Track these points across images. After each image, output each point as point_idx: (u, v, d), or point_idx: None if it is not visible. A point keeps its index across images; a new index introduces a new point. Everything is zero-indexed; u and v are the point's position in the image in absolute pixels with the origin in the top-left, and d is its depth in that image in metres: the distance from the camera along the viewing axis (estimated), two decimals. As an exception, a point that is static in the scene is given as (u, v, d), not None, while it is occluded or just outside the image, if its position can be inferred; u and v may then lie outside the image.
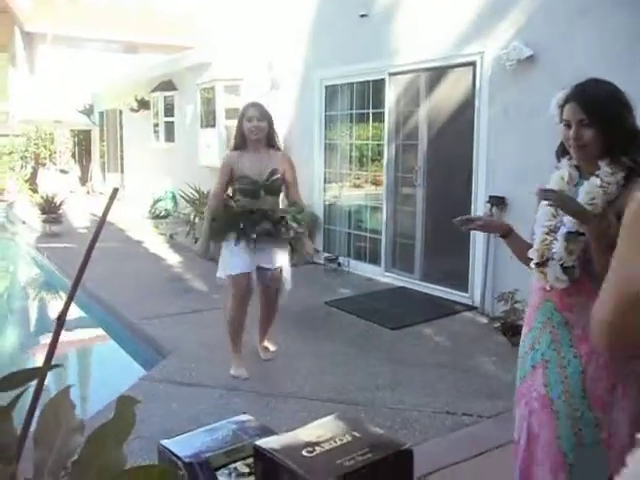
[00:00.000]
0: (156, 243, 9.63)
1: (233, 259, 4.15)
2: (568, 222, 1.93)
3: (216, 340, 4.83)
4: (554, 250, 1.94)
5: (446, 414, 3.67)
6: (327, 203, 8.11)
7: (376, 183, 7.49)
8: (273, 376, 4.37)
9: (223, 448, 0.88)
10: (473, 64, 5.80)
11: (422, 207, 6.61)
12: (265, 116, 4.19)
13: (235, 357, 4.30)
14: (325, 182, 8.10)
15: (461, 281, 6.05)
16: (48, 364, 0.69)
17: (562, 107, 1.98)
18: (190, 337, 5.09)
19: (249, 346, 4.56)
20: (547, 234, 1.99)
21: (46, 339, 6.31)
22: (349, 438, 0.81)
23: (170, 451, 0.87)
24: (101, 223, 0.74)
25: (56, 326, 0.71)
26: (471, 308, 5.82)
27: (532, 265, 2.02)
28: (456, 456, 3.00)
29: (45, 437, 0.68)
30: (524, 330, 2.15)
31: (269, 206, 4.23)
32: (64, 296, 7.59)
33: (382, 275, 7.04)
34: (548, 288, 1.99)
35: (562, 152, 2.06)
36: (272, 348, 4.67)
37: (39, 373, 0.58)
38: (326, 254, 7.80)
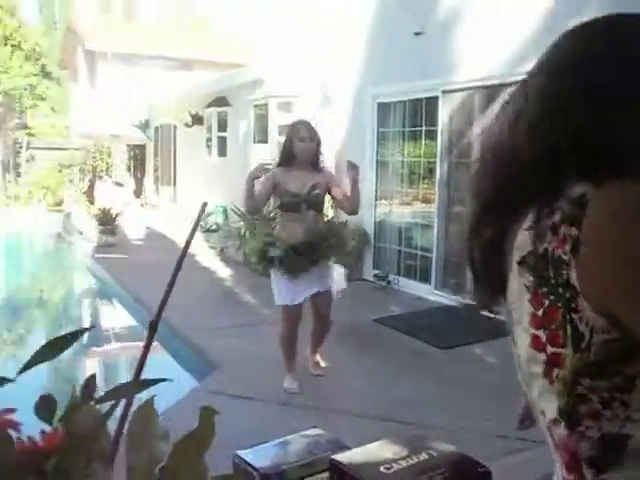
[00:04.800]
0: (207, 256, 9.78)
1: (283, 290, 4.20)
2: None
3: (266, 353, 4.87)
4: None
5: (498, 437, 3.60)
6: (377, 220, 8.11)
7: (427, 201, 7.46)
8: (323, 392, 4.37)
9: (298, 461, 0.89)
10: (529, 82, 5.73)
11: (474, 226, 6.53)
12: (315, 137, 4.24)
13: (288, 374, 4.33)
14: (376, 199, 8.10)
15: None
16: (139, 375, 0.72)
17: None
18: (240, 350, 5.14)
19: (299, 361, 4.57)
20: None
21: (99, 347, 6.48)
22: (425, 456, 0.81)
23: (246, 462, 0.89)
24: (190, 238, 0.76)
25: (148, 335, 0.74)
26: (524, 330, 5.70)
27: None
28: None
29: (136, 443, 0.71)
30: None
31: (310, 221, 4.24)
32: (119, 305, 7.78)
33: (432, 294, 6.98)
34: None
35: None
36: (323, 364, 4.67)
37: (140, 386, 0.61)
38: (376, 271, 7.78)
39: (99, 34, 18.24)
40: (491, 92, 6.34)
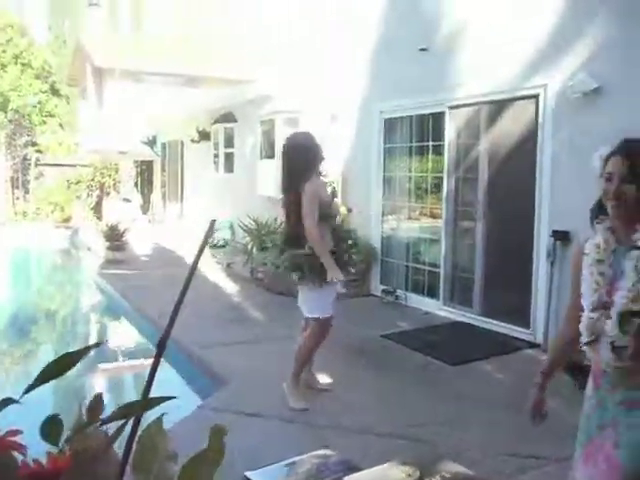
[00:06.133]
0: (214, 272, 9.78)
1: (322, 301, 4.20)
2: (619, 298, 1.83)
3: (272, 370, 4.84)
4: (606, 327, 1.85)
5: (510, 456, 3.55)
6: (385, 235, 8.09)
7: (434, 216, 7.44)
8: (329, 409, 4.33)
9: (308, 482, 0.87)
10: (536, 97, 5.74)
11: (482, 241, 6.51)
12: None
13: (297, 391, 4.30)
14: (383, 215, 8.09)
15: (522, 317, 5.90)
16: (148, 393, 0.70)
17: (606, 160, 1.90)
18: (247, 366, 5.11)
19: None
20: (593, 311, 1.90)
21: (106, 364, 6.46)
22: (438, 478, 0.79)
23: (255, 483, 0.87)
24: (198, 255, 0.75)
25: (156, 353, 0.72)
26: (533, 345, 5.65)
27: (582, 342, 1.94)
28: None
29: (143, 464, 0.69)
30: (591, 383, 2.05)
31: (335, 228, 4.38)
32: (126, 321, 7.78)
33: (440, 309, 6.94)
34: (603, 367, 1.90)
35: (598, 210, 1.96)
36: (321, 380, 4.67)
37: (147, 405, 0.59)
38: (383, 286, 7.75)
39: (107, 51, 18.42)
40: (498, 107, 6.34)
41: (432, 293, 7.18)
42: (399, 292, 7.50)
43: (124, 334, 7.58)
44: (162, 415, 0.75)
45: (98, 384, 5.89)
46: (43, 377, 0.54)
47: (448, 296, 6.97)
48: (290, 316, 7.05)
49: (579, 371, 4.45)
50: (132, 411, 0.57)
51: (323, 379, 4.64)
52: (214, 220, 0.79)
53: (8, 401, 0.53)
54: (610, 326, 1.83)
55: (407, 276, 7.68)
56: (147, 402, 0.56)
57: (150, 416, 0.72)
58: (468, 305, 6.65)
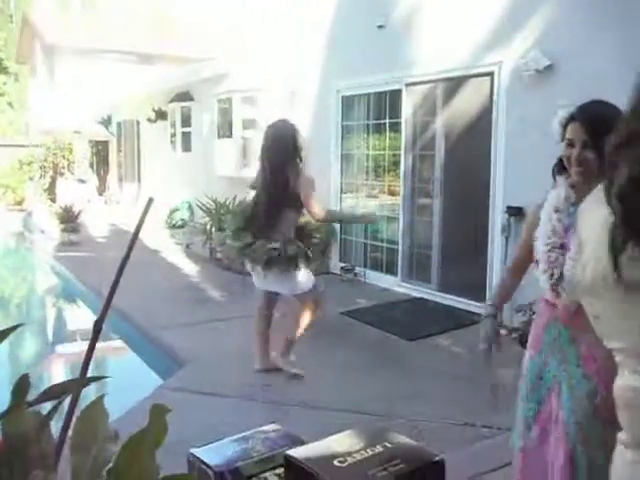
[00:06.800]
0: (172, 252, 9.68)
1: (309, 276, 4.38)
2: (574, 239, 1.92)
3: (232, 350, 4.84)
4: (566, 268, 1.92)
5: (464, 426, 3.64)
6: (343, 213, 8.11)
7: (392, 193, 7.49)
8: (288, 386, 4.36)
9: (254, 457, 0.88)
10: (491, 74, 5.80)
11: (439, 217, 6.59)
12: None
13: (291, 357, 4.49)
14: (341, 192, 8.11)
15: (479, 292, 6.01)
16: (85, 373, 0.69)
17: (565, 126, 1.98)
18: (207, 347, 5.10)
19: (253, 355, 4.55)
20: (550, 251, 1.98)
21: (63, 347, 6.37)
22: (380, 449, 0.80)
23: (200, 460, 0.87)
24: (135, 235, 0.75)
25: (92, 334, 0.71)
26: (489, 319, 5.77)
27: (544, 285, 2.01)
28: (480, 467, 2.97)
29: (82, 445, 0.69)
30: (530, 353, 2.12)
31: None
32: (81, 304, 7.65)
33: (398, 285, 7.02)
34: (561, 305, 1.97)
35: (559, 169, 2.06)
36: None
37: (80, 384, 0.59)
38: (342, 264, 7.79)
39: (58, 28, 17.85)
40: (454, 84, 6.39)
41: (390, 270, 7.25)
42: (358, 269, 7.55)
43: (80, 316, 7.46)
44: (102, 395, 0.75)
45: (53, 368, 5.80)
46: (45, 396, 0.52)
47: (406, 272, 7.05)
48: (249, 295, 7.05)
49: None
50: (67, 389, 0.57)
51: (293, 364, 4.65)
52: (151, 198, 0.79)
53: None
54: (570, 264, 1.91)
55: (365, 254, 7.73)
56: (83, 381, 0.56)
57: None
58: (426, 281, 6.75)
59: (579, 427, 1.89)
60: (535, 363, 2.08)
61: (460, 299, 6.22)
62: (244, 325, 5.04)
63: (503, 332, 5.48)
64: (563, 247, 1.95)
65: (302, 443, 0.91)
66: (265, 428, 0.98)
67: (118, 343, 6.27)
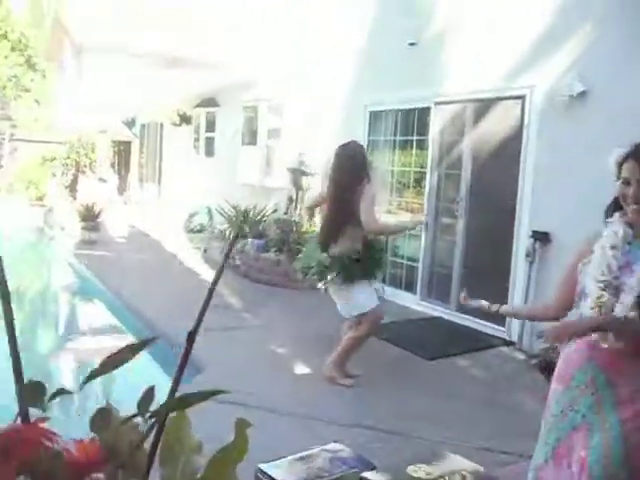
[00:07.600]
0: (190, 257, 9.70)
1: (367, 292, 4.56)
2: (633, 282, 1.90)
3: (250, 358, 4.83)
4: (617, 311, 1.90)
5: (484, 451, 3.60)
6: (364, 227, 8.09)
7: (415, 211, 7.47)
8: (310, 400, 4.34)
9: (323, 477, 0.87)
10: (523, 98, 5.78)
11: (462, 238, 6.56)
12: None
13: (342, 372, 4.56)
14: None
15: (498, 315, 5.96)
16: (177, 385, 0.69)
17: (621, 164, 1.98)
18: (225, 354, 5.09)
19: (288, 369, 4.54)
20: (603, 290, 1.96)
21: (77, 344, 6.37)
22: (458, 478, 0.79)
23: (269, 475, 0.86)
24: (214, 283, 0.74)
25: (187, 344, 0.71)
26: (508, 343, 5.73)
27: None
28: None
29: (170, 456, 0.68)
30: (556, 386, 2.09)
31: None
32: (99, 303, 7.68)
33: (417, 304, 6.98)
34: (605, 346, 1.94)
35: (614, 208, 2.05)
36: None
37: (200, 398, 0.58)
38: (360, 278, 7.76)
39: (88, 27, 18.04)
40: (484, 105, 6.38)
41: (410, 287, 7.22)
42: (376, 285, 7.50)
43: (97, 315, 7.49)
44: (178, 394, 0.74)
45: (68, 366, 5.82)
46: (100, 370, 0.52)
47: (426, 291, 7.02)
48: (266, 304, 7.04)
49: (552, 371, 4.53)
50: (179, 404, 0.56)
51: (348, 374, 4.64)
52: (237, 234, 0.78)
53: (61, 392, 0.51)
54: (620, 308, 1.89)
55: (385, 270, 7.69)
56: (178, 401, 0.55)
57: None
58: (445, 301, 6.70)
59: (606, 471, 1.87)
60: (561, 399, 2.05)
61: (479, 321, 6.16)
62: (259, 334, 5.03)
63: (521, 357, 5.44)
64: (617, 289, 1.93)
65: (369, 464, 0.90)
66: (329, 447, 0.97)
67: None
